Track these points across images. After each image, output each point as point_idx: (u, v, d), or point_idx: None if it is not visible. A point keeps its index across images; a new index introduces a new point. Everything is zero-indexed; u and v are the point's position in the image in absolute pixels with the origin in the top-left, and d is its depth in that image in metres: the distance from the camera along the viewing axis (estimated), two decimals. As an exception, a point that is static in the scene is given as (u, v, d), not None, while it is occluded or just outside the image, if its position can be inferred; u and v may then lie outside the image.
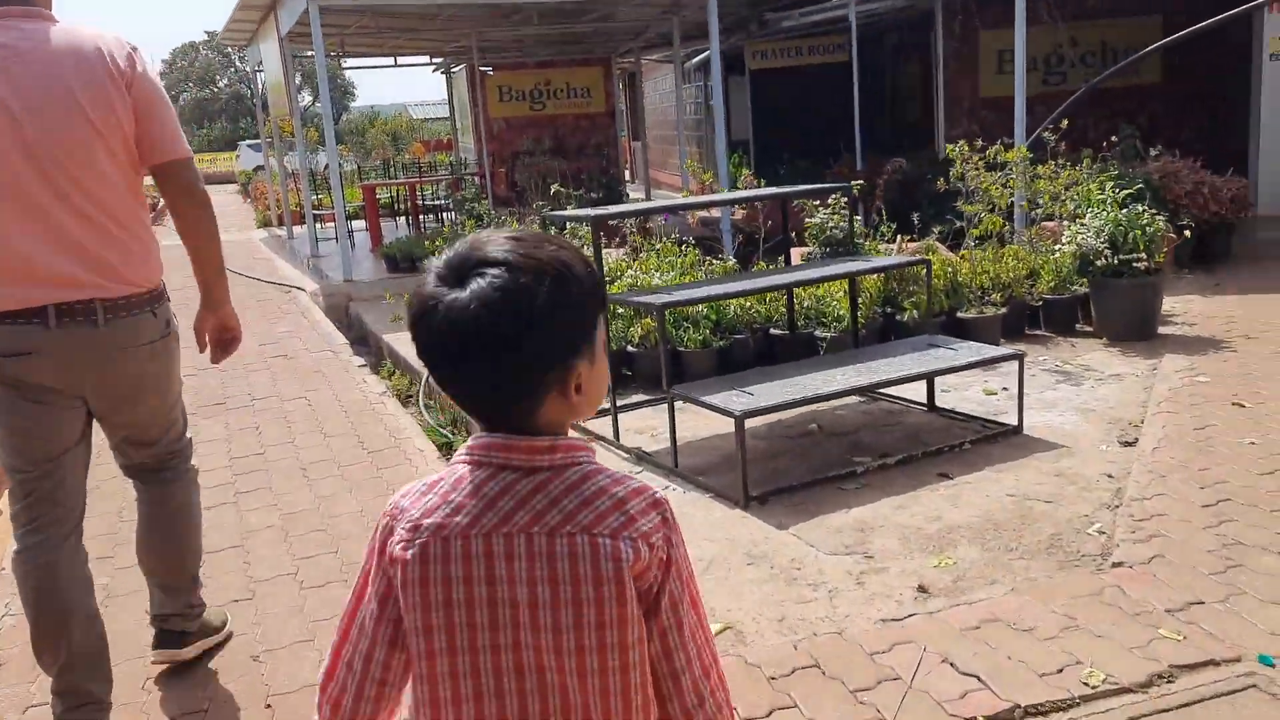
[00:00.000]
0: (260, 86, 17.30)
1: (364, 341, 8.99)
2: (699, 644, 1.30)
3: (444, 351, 1.20)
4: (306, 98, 54.77)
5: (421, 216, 15.92)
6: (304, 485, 4.82)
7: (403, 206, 18.15)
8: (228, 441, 5.60)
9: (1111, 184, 6.46)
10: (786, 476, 4.50)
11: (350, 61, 18.27)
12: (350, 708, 1.32)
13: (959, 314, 6.28)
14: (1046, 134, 7.46)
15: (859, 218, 7.60)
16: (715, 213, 9.78)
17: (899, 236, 7.66)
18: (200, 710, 2.96)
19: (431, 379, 1.30)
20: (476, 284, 1.17)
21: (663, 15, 14.98)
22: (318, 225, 15.56)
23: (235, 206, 26.07)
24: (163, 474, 3.01)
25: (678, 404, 4.80)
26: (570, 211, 5.90)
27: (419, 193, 16.27)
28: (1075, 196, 7.35)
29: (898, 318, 6.33)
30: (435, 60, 20.27)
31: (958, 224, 7.69)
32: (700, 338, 6.12)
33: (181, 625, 3.11)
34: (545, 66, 21.02)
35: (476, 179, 15.37)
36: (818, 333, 6.18)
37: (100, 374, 2.68)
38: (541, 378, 1.21)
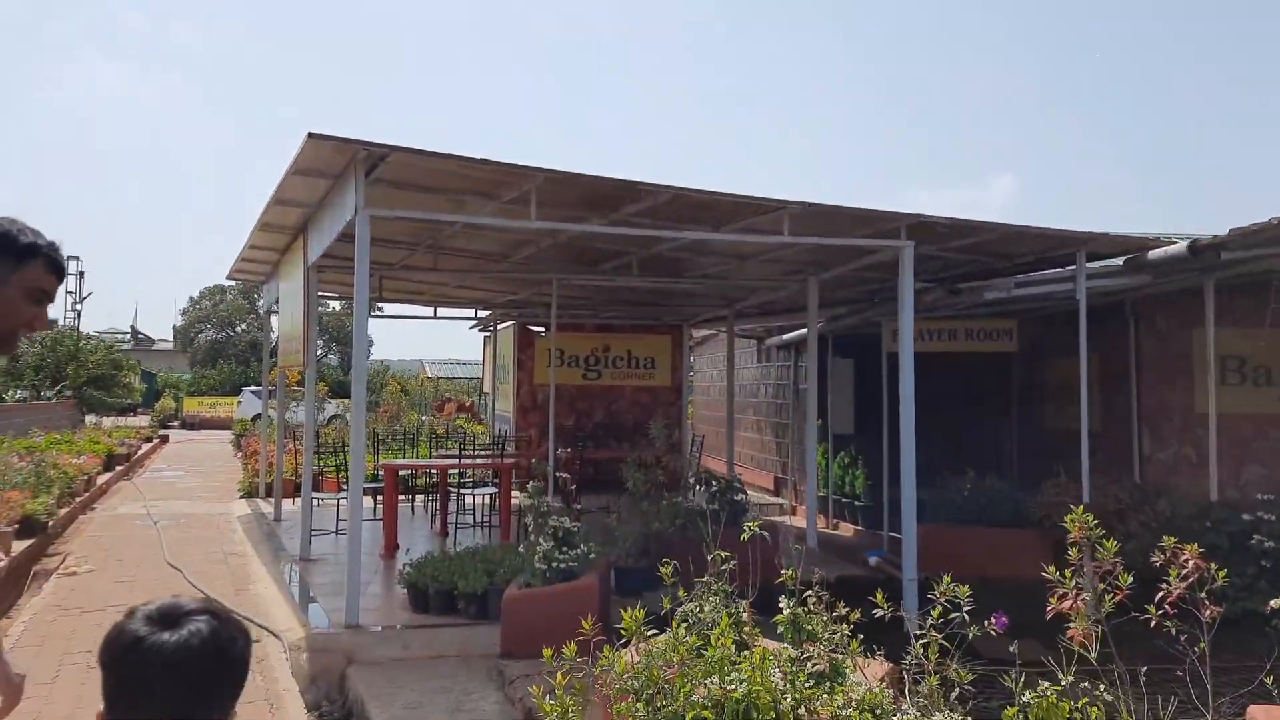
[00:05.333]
0: (273, 329, 14.01)
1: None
2: None
3: (147, 688, 1.43)
4: (332, 359, 52.20)
5: (449, 501, 12.08)
6: None
7: (421, 483, 14.42)
8: None
9: None
10: None
11: (384, 310, 15.09)
12: None
13: None
14: None
15: None
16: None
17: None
18: None
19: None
20: (187, 629, 1.46)
21: (791, 274, 11.80)
22: (314, 502, 11.77)
23: (224, 461, 22.39)
24: None
25: None
26: None
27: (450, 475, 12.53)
28: None
29: None
30: (482, 314, 17.12)
31: None
32: None
33: None
34: (604, 330, 17.94)
35: (546, 469, 11.68)
36: None
37: None
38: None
